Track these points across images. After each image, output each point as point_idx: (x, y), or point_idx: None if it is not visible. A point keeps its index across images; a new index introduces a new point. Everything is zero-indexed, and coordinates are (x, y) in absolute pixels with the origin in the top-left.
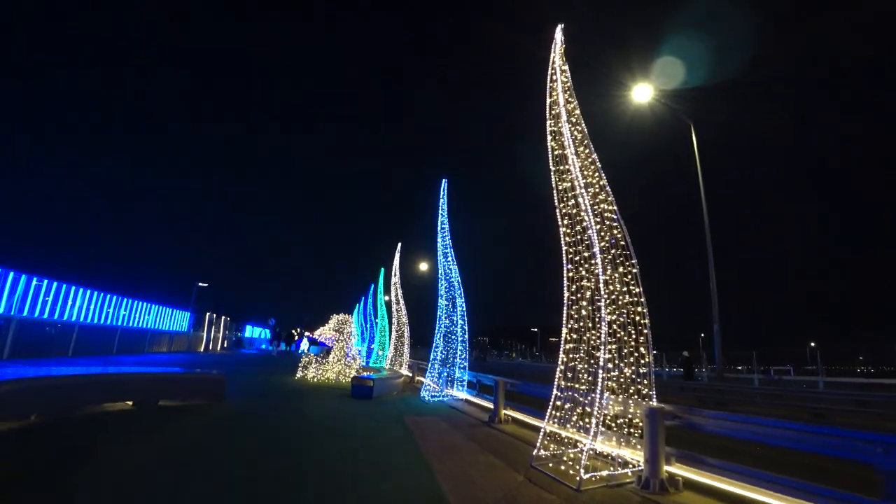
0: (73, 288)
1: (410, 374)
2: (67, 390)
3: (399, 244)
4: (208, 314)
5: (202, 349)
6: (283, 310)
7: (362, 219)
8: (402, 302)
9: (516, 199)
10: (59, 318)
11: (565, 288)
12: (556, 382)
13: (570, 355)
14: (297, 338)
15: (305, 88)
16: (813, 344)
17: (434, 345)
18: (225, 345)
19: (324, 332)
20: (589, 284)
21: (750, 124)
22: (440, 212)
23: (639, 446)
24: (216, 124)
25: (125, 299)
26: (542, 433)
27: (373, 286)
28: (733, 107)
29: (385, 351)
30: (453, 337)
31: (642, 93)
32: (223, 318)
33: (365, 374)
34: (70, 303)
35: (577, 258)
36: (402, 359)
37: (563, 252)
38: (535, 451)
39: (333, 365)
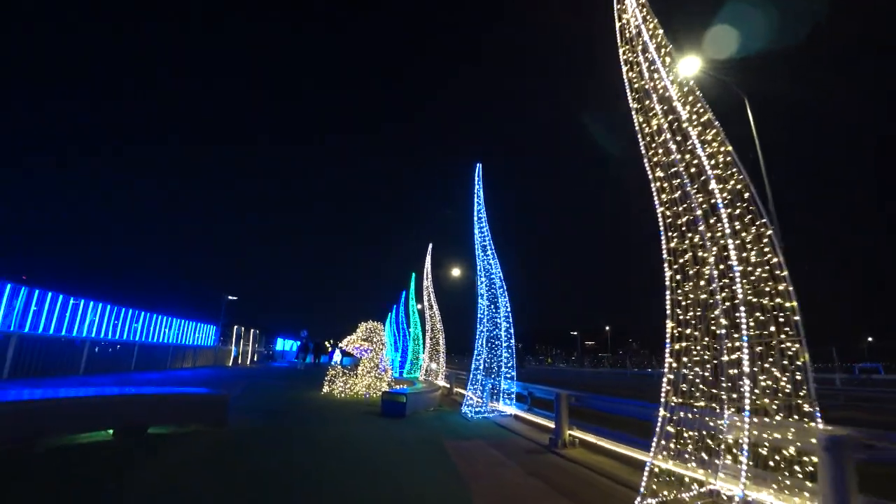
0: (83, 301)
1: (448, 386)
2: (25, 418)
3: (430, 245)
4: (236, 327)
5: (230, 364)
6: (316, 322)
7: (391, 222)
8: (435, 307)
9: (548, 193)
10: (68, 333)
11: (666, 265)
12: (662, 398)
13: (682, 359)
14: (329, 349)
15: (328, 93)
16: (871, 339)
17: (475, 352)
18: (255, 358)
19: (351, 342)
20: (704, 255)
21: (804, 98)
22: (475, 200)
23: (806, 493)
24: (243, 136)
25: (143, 313)
26: (647, 472)
27: (404, 293)
28: (787, 80)
29: (419, 361)
30: (497, 342)
31: (689, 65)
32: (252, 330)
33: (397, 387)
34: (80, 317)
35: (681, 222)
36: (439, 368)
37: (659, 216)
38: (640, 500)
39: (363, 378)
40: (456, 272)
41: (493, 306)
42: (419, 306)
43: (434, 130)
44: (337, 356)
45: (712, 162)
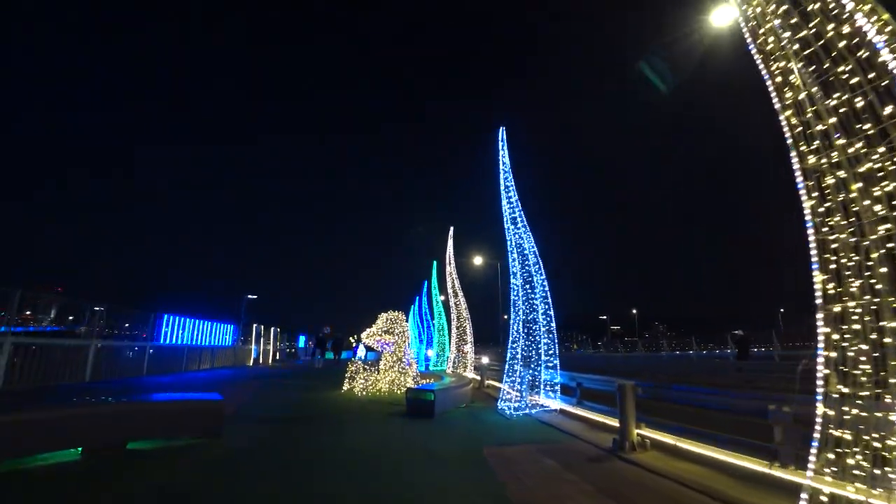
0: (86, 305)
1: (479, 378)
2: None
3: (451, 229)
4: (255, 326)
5: (251, 363)
6: (340, 318)
7: (410, 210)
8: (460, 294)
9: (562, 177)
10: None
11: (805, 193)
12: (821, 388)
13: (843, 329)
14: (353, 344)
15: (331, 92)
16: None
17: (510, 338)
18: (277, 357)
19: (371, 335)
20: (860, 172)
21: None
22: (501, 168)
23: None
24: (262, 136)
25: (152, 314)
26: (806, 497)
27: (426, 283)
28: None
29: (445, 352)
30: (535, 327)
31: (722, 16)
32: (273, 328)
33: (423, 383)
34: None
35: (822, 128)
36: (467, 360)
37: (785, 125)
38: None
39: (385, 373)
40: (478, 261)
41: (527, 286)
42: (442, 298)
43: (452, 106)
44: (361, 351)
45: (874, 31)
